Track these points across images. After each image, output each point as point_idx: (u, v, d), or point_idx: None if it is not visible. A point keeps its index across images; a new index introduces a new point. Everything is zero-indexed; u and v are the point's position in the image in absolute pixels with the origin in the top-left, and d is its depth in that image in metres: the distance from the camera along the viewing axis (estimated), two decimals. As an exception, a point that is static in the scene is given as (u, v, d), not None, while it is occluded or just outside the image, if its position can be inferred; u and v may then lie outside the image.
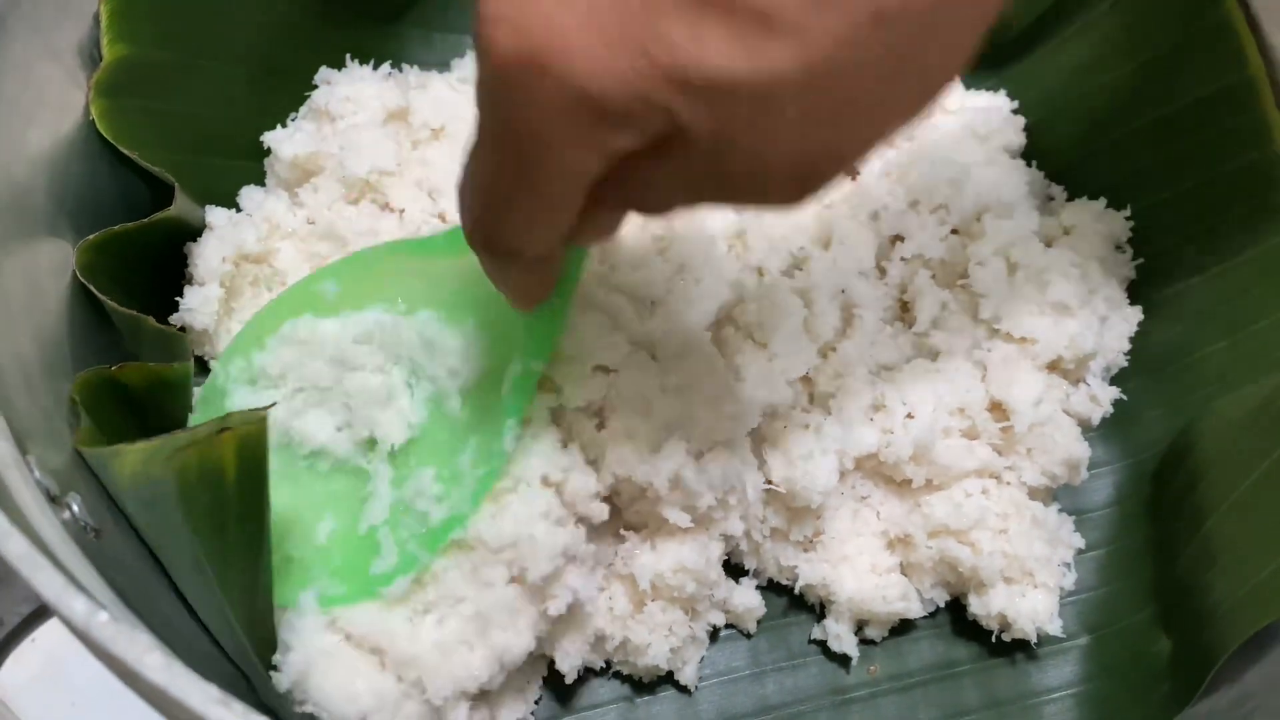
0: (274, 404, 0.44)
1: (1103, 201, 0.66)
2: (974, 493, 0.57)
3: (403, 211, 0.64)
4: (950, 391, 0.57)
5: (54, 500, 0.42)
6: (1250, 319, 0.60)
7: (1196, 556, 0.55)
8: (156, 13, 0.59)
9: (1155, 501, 0.60)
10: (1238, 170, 0.61)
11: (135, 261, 0.58)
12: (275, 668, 0.49)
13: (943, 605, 0.59)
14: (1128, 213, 0.65)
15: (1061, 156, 0.67)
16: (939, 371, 0.58)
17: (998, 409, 0.58)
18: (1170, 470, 0.60)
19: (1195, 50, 0.63)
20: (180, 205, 0.59)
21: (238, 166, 0.67)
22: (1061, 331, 0.58)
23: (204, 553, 0.43)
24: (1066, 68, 0.68)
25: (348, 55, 0.69)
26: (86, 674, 0.67)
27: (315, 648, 0.50)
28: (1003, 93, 0.68)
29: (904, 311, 0.61)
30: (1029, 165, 0.67)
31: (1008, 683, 0.59)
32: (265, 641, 0.48)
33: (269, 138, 0.66)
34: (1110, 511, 0.62)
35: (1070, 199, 0.67)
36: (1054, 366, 0.59)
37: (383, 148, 0.64)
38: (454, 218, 0.64)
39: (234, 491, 0.42)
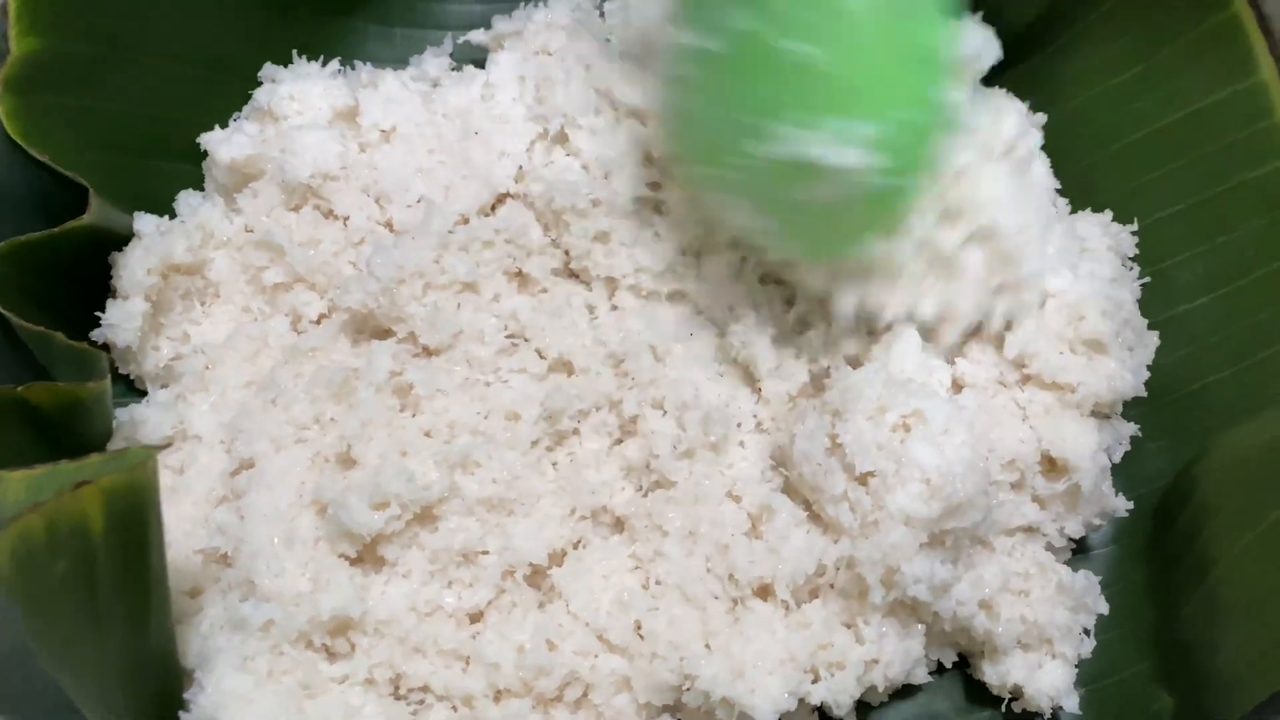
0: (164, 445, 0.39)
1: (1109, 214, 0.61)
2: (999, 551, 0.53)
3: (347, 219, 0.60)
4: (1000, 440, 0.52)
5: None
6: (1258, 346, 0.56)
7: (1201, 609, 0.50)
8: (77, 2, 0.55)
9: (1156, 542, 0.56)
10: (1249, 183, 0.57)
11: (49, 273, 0.54)
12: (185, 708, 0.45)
13: (949, 666, 0.55)
14: (1134, 226, 0.60)
15: (1064, 166, 0.62)
16: (980, 410, 0.53)
17: (1046, 460, 0.53)
18: (1173, 510, 0.55)
19: (1201, 54, 0.58)
20: (99, 213, 0.55)
21: (176, 170, 0.62)
22: (1098, 373, 0.53)
23: (47, 628, 0.39)
24: (1066, 74, 0.63)
25: (294, 51, 0.65)
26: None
27: (227, 690, 0.46)
28: (1003, 93, 0.64)
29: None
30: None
31: (994, 739, 0.55)
32: (163, 699, 0.44)
33: (205, 139, 0.61)
34: (1109, 551, 0.58)
35: (1074, 211, 0.62)
36: (1095, 411, 0.55)
37: (326, 150, 0.60)
38: (401, 224, 0.59)
39: (105, 548, 0.38)
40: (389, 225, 0.60)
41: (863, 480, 0.49)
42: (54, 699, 0.40)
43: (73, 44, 0.55)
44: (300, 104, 0.62)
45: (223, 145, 0.60)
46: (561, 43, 0.63)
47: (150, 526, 0.41)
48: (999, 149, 0.56)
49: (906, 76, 0.47)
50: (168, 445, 0.46)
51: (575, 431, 0.54)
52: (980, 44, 0.56)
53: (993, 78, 0.63)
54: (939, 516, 0.47)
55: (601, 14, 0.67)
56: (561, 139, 0.61)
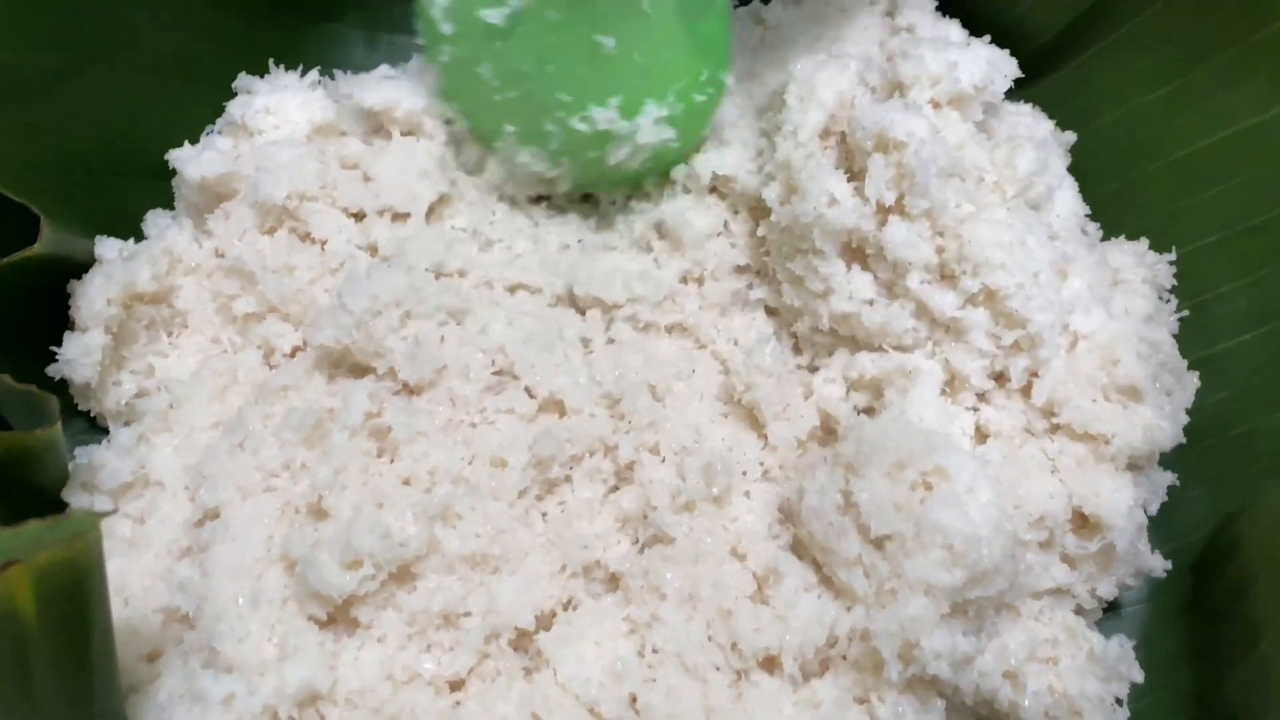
0: (109, 513, 0.35)
1: (1145, 242, 0.57)
2: (1025, 616, 0.48)
3: (325, 243, 0.56)
4: (1027, 495, 0.48)
5: None
6: (1307, 388, 0.52)
7: (1248, 681, 0.46)
8: (29, 9, 0.50)
9: (1196, 602, 0.52)
10: (1298, 211, 0.53)
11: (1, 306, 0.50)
12: None
13: None
14: (1172, 256, 0.56)
15: (1095, 188, 0.57)
16: (1006, 461, 0.49)
17: (1077, 516, 0.49)
18: (1215, 566, 0.51)
19: (1250, 69, 0.54)
20: (53, 240, 0.50)
21: (142, 190, 0.58)
22: (1133, 423, 0.49)
23: None
24: (1100, 86, 0.59)
25: (271, 60, 0.61)
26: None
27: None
28: (1029, 108, 0.59)
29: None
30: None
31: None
32: None
33: (173, 156, 0.57)
34: (1142, 609, 0.54)
35: (1106, 238, 0.58)
36: (1130, 463, 0.50)
37: (305, 168, 0.56)
38: (385, 249, 0.55)
39: (40, 630, 0.34)
40: (372, 249, 0.56)
41: (879, 544, 0.44)
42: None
43: (26, 54, 0.51)
44: (276, 117, 0.58)
45: (192, 162, 0.56)
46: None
47: (92, 604, 0.37)
48: (1011, 190, 0.51)
49: (694, 64, 0.53)
50: (112, 513, 0.43)
51: (566, 479, 0.50)
52: (988, 70, 0.52)
53: (1017, 93, 0.59)
54: (962, 585, 0.43)
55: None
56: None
